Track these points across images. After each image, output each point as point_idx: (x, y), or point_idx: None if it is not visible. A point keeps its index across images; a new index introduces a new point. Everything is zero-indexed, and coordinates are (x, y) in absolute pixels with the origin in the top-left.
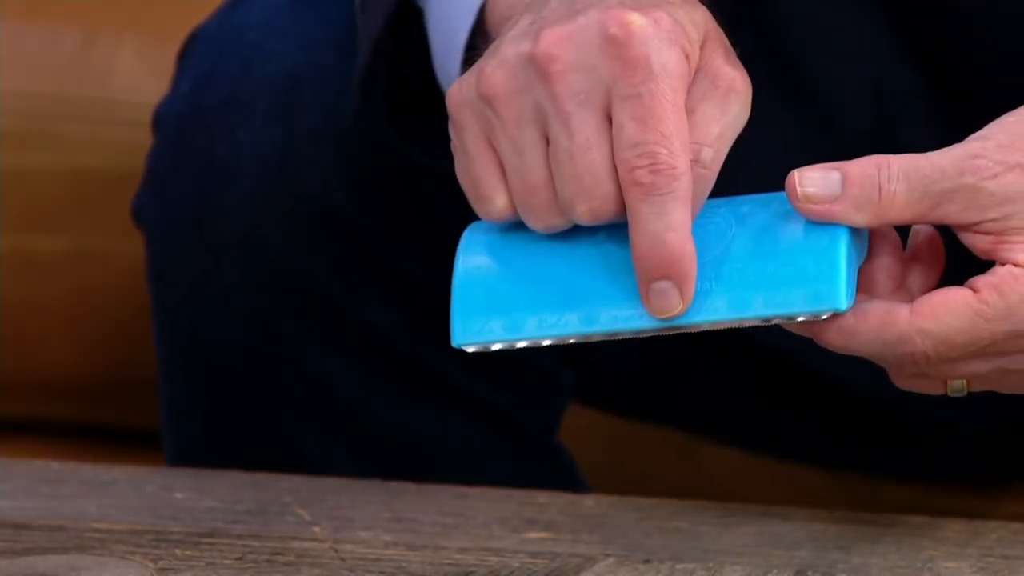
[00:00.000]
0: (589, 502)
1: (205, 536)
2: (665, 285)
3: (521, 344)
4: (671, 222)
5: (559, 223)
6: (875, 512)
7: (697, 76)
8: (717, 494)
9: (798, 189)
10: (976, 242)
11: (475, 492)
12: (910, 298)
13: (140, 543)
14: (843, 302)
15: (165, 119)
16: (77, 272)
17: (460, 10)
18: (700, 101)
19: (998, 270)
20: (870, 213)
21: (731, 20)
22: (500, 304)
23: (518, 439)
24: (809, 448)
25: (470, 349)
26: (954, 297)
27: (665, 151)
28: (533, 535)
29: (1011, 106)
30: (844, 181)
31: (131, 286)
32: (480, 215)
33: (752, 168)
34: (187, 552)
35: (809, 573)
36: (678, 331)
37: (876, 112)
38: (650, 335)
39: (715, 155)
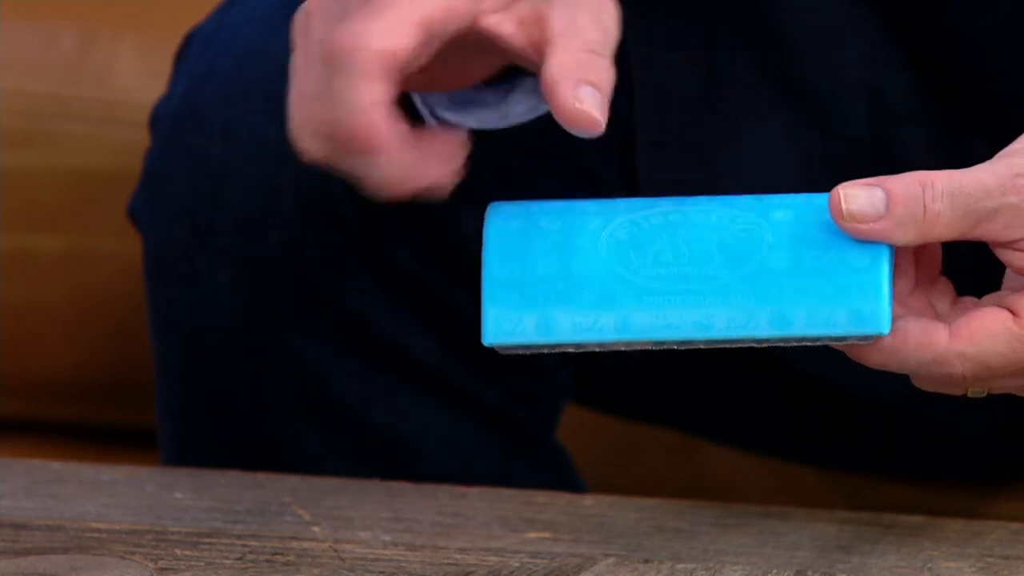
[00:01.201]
0: (589, 502)
1: (205, 536)
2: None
3: (558, 348)
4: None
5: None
6: (875, 512)
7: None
8: (717, 494)
9: (843, 207)
10: (1013, 259)
11: (475, 492)
12: (926, 300)
13: (140, 543)
14: (887, 326)
15: (161, 119)
16: (76, 272)
17: None
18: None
19: None
20: (914, 232)
21: (730, 21)
22: (533, 300)
23: (516, 438)
24: (809, 448)
25: (503, 350)
26: (993, 320)
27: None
28: (533, 535)
29: (1009, 108)
30: (888, 199)
31: (130, 286)
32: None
33: (752, 168)
34: (187, 552)
35: (809, 573)
36: (720, 345)
37: (874, 114)
38: (690, 347)
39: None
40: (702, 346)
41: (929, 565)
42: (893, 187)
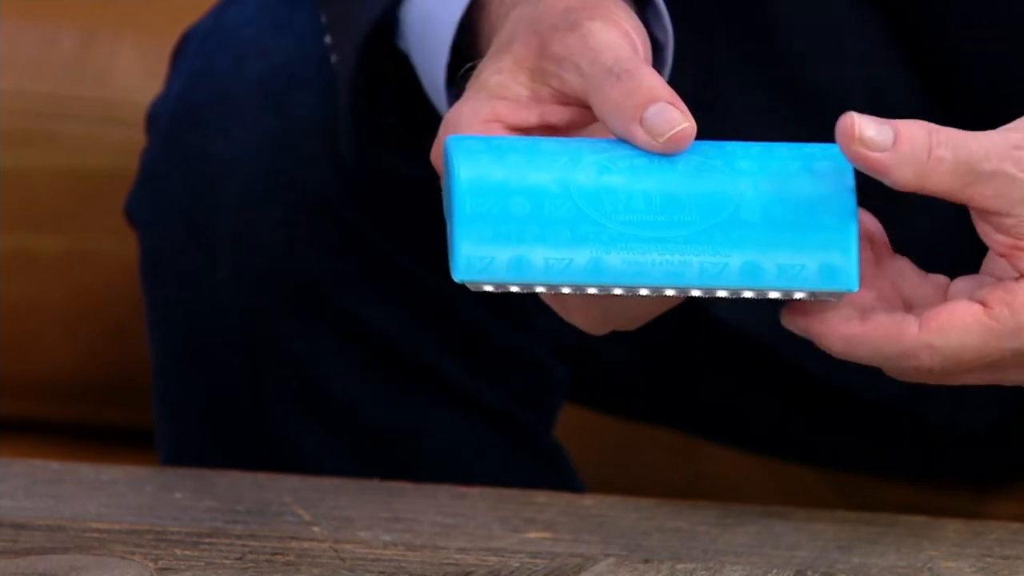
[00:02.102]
0: (589, 502)
1: (205, 536)
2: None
3: (529, 287)
4: None
5: None
6: (875, 512)
7: None
8: (717, 494)
9: (856, 129)
10: (996, 240)
11: (475, 492)
12: (888, 281)
13: (140, 543)
14: (856, 283)
15: (158, 118)
16: (76, 272)
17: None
18: None
19: (1011, 286)
20: (914, 172)
21: (730, 21)
22: (506, 238)
23: (515, 436)
24: (809, 448)
25: (473, 287)
26: (964, 313)
27: None
28: (533, 535)
29: (1007, 107)
30: (896, 136)
31: (130, 286)
32: None
33: None
34: (187, 552)
35: (809, 573)
36: (690, 293)
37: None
38: (659, 295)
39: None
40: (672, 294)
41: (929, 565)
42: (901, 127)
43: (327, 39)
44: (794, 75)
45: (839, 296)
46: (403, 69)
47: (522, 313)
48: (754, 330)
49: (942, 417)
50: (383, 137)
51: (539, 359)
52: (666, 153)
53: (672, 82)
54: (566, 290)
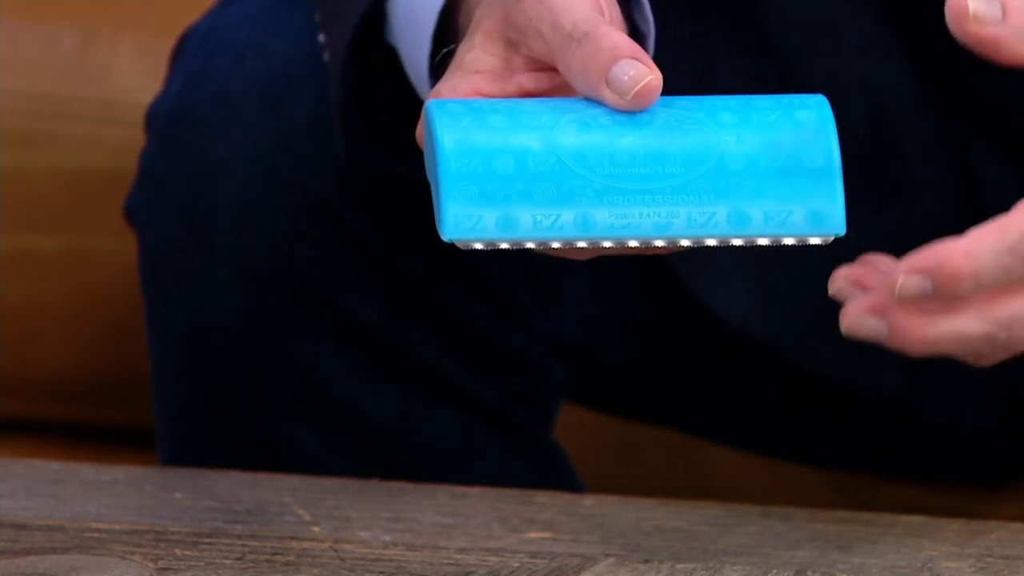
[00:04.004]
0: (589, 502)
1: (205, 536)
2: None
3: (518, 244)
4: None
5: None
6: (875, 512)
7: None
8: (717, 494)
9: (969, 6)
10: None
11: (475, 492)
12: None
13: (140, 543)
14: (843, 226)
15: (157, 118)
16: (76, 272)
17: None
18: None
19: None
20: None
21: (726, 14)
22: (493, 196)
23: (516, 437)
24: (809, 448)
25: (466, 245)
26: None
27: None
28: (533, 535)
29: (1006, 102)
30: (1005, 10)
31: (130, 286)
32: None
33: None
34: (187, 552)
35: (809, 573)
36: (679, 243)
37: (870, 108)
38: (648, 248)
39: None
40: (662, 245)
41: (929, 565)
42: (1008, 1)
43: (320, 37)
44: (790, 68)
45: (827, 241)
46: (395, 66)
47: (522, 313)
48: (754, 330)
49: (943, 414)
50: (378, 136)
51: (539, 359)
52: (635, 109)
53: (669, 75)
54: (555, 245)
